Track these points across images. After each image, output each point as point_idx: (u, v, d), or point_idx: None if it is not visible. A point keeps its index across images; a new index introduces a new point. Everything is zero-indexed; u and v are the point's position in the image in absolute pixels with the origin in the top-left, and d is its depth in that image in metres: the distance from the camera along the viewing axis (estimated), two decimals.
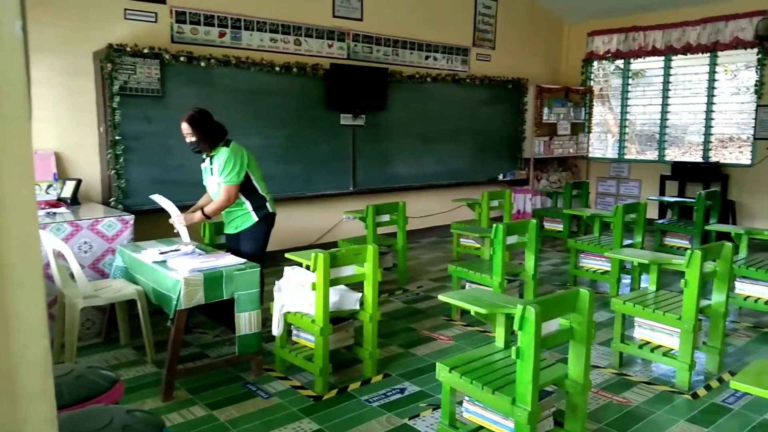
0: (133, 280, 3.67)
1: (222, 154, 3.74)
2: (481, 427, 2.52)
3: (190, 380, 3.31)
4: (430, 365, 3.55)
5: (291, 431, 2.80)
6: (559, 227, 6.99)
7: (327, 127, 6.43)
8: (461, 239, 6.13)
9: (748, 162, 7.61)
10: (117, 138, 4.95)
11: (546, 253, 6.72)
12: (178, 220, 3.78)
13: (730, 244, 3.45)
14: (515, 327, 2.23)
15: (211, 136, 3.76)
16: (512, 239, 4.19)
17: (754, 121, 7.47)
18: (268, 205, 3.94)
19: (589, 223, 6.26)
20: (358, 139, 6.71)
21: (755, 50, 7.38)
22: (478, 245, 5.70)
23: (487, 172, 8.09)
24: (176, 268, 3.18)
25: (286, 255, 3.79)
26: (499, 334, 2.76)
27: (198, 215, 3.81)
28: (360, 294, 3.40)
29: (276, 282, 3.48)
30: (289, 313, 3.37)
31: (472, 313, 2.70)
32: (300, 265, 3.59)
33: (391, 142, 7.05)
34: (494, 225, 4.02)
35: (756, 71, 7.42)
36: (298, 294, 3.33)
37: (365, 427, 2.85)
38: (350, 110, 6.54)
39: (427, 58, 7.35)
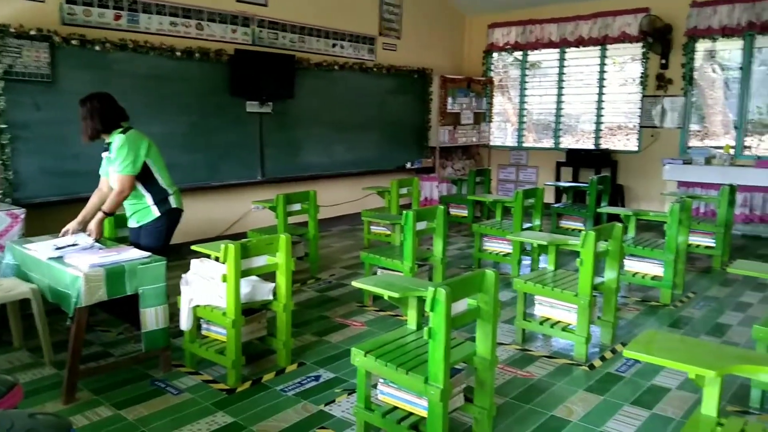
0: (26, 278, 3.43)
1: (116, 140, 3.50)
2: (396, 408, 2.58)
3: (94, 381, 3.15)
4: (344, 351, 3.59)
5: (204, 426, 2.75)
6: (464, 213, 7.23)
7: (232, 114, 6.27)
8: (372, 226, 6.20)
9: (635, 149, 8.21)
10: (2, 126, 4.59)
11: (452, 238, 6.94)
12: (86, 240, 3.48)
13: (620, 225, 3.72)
14: (427, 309, 2.31)
15: (102, 120, 3.51)
16: (421, 225, 4.30)
17: (639, 110, 8.06)
18: (171, 199, 3.69)
19: (492, 209, 6.53)
20: (265, 127, 6.60)
21: (640, 44, 7.94)
22: (389, 232, 5.80)
23: (395, 161, 8.21)
24: (75, 264, 3.01)
25: (193, 247, 3.69)
26: (412, 317, 2.83)
27: (99, 216, 3.53)
28: (273, 284, 3.37)
29: (183, 275, 3.38)
30: (198, 306, 3.28)
31: (385, 297, 2.76)
32: (208, 257, 3.51)
33: (300, 130, 6.99)
34: (404, 212, 4.11)
35: (641, 64, 7.99)
36: (208, 287, 3.25)
37: (281, 416, 2.85)
38: (256, 97, 6.42)
39: (334, 46, 7.33)
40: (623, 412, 2.92)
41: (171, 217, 3.71)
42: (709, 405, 2.06)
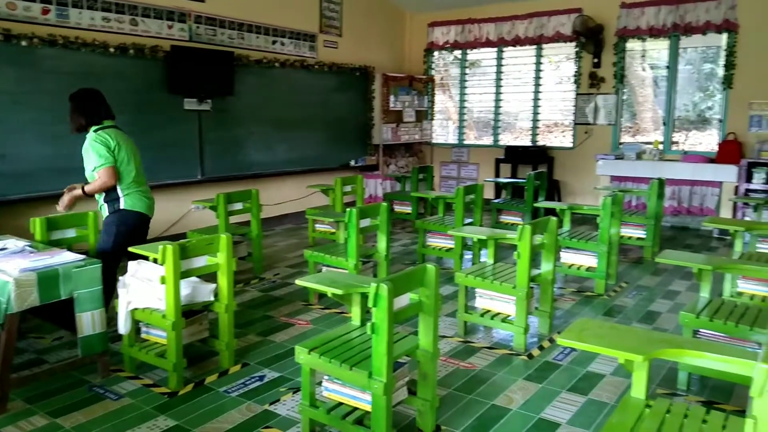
0: None
1: (87, 139, 3.70)
2: (341, 404, 2.60)
3: (27, 389, 3.03)
4: (288, 350, 3.58)
5: (146, 430, 2.69)
6: (408, 209, 7.30)
7: (170, 112, 6.13)
8: (316, 225, 6.17)
9: (570, 145, 8.50)
10: None
11: (397, 235, 7.00)
12: (15, 244, 3.38)
13: (555, 218, 3.86)
14: (370, 304, 2.34)
15: (83, 116, 3.71)
16: (365, 222, 4.33)
17: (574, 108, 8.35)
18: (124, 200, 3.77)
19: (435, 205, 6.63)
20: (204, 124, 6.48)
21: (574, 44, 8.21)
22: (333, 230, 5.79)
23: (339, 159, 8.21)
24: (4, 269, 2.88)
25: (130, 249, 3.59)
26: (356, 313, 2.86)
27: (77, 192, 3.75)
28: (214, 285, 3.33)
29: (120, 278, 3.29)
30: (136, 309, 3.21)
31: (329, 295, 2.77)
32: (146, 258, 3.42)
33: (241, 127, 6.90)
34: (348, 209, 4.12)
35: (575, 63, 8.27)
36: (146, 289, 3.18)
37: (225, 417, 2.82)
38: (195, 95, 6.29)
39: (274, 43, 7.26)
40: (560, 399, 3.04)
41: (121, 218, 3.78)
42: (638, 388, 2.17)
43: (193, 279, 3.35)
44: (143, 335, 3.34)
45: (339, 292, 2.69)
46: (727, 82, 7.25)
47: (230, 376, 3.27)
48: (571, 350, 3.61)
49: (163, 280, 3.01)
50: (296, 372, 3.24)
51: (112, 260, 3.71)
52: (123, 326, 3.22)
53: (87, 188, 3.73)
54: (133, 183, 3.81)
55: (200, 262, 3.23)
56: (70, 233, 3.86)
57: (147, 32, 5.93)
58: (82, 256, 3.12)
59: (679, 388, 3.16)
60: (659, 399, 2.19)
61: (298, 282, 2.88)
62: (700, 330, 3.14)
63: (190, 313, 3.27)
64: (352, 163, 8.34)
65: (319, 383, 2.71)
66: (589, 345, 2.08)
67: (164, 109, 6.06)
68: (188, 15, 6.31)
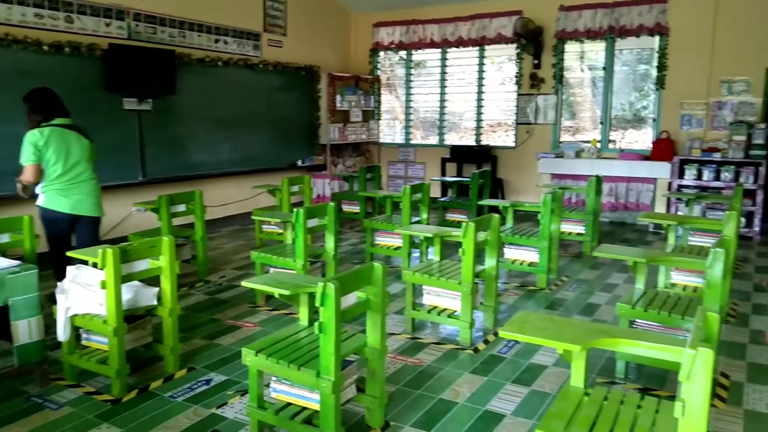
0: None
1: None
2: (289, 404, 2.60)
3: None
4: (236, 353, 3.54)
5: None
6: (356, 209, 7.33)
7: (109, 112, 5.95)
8: (263, 226, 6.12)
9: (513, 144, 8.70)
10: None
11: (345, 234, 7.02)
12: None
13: (497, 215, 3.96)
14: (317, 303, 2.34)
15: (37, 114, 3.87)
16: (313, 222, 4.33)
17: (516, 108, 8.55)
18: (42, 197, 3.93)
19: (382, 204, 6.67)
20: (145, 124, 6.32)
21: (515, 45, 8.41)
22: (281, 230, 5.76)
23: (286, 159, 8.15)
24: None
25: (69, 253, 3.48)
26: (303, 313, 2.86)
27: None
28: (157, 289, 3.26)
29: (58, 283, 3.18)
30: (76, 315, 3.11)
31: (277, 296, 2.76)
32: (85, 263, 3.32)
33: (183, 127, 6.76)
34: (295, 209, 4.11)
35: (516, 64, 8.47)
36: (86, 294, 3.09)
37: (171, 422, 2.77)
38: (134, 94, 6.13)
39: (217, 41, 7.15)
40: (505, 391, 3.12)
41: (41, 215, 3.97)
42: (577, 377, 2.26)
43: (135, 283, 3.27)
44: (84, 342, 3.24)
45: (286, 292, 2.69)
46: (660, 82, 7.59)
47: (176, 380, 3.22)
48: (515, 343, 3.71)
49: (103, 285, 2.93)
50: (243, 374, 3.22)
51: (53, 252, 4.01)
52: (62, 333, 3.12)
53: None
54: (55, 181, 3.91)
55: (142, 265, 3.16)
56: (4, 238, 3.73)
57: (83, 30, 5.74)
58: (17, 262, 3.01)
59: (617, 377, 3.30)
60: (597, 387, 2.28)
61: (244, 283, 2.86)
62: (636, 320, 3.29)
63: (133, 318, 3.19)
64: (300, 163, 8.30)
65: (267, 385, 2.70)
66: (530, 337, 2.15)
67: (103, 109, 5.88)
68: (127, 12, 6.14)
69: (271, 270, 4.40)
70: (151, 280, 3.26)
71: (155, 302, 3.24)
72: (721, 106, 7.27)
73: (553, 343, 2.11)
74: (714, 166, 7.01)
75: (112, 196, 6.04)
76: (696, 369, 1.65)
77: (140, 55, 6.09)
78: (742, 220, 6.63)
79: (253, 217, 5.70)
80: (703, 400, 1.65)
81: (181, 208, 5.04)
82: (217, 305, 4.48)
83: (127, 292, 3.15)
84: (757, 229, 6.84)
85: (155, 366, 3.37)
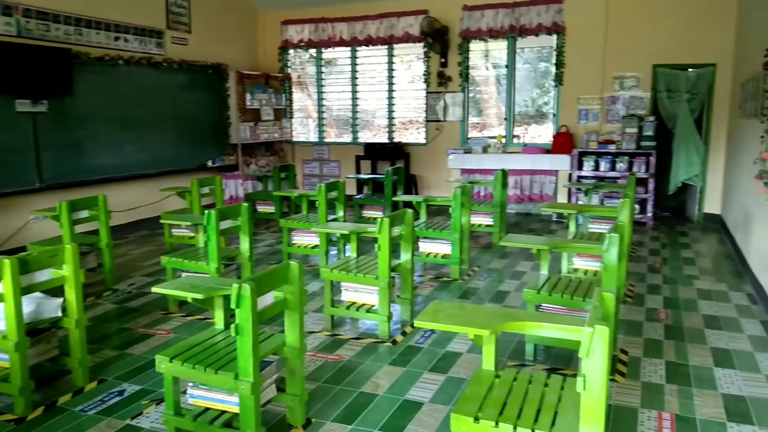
0: None
1: None
2: (208, 409, 2.57)
3: None
4: (149, 362, 3.43)
5: None
6: (271, 209, 7.25)
7: None
8: (173, 230, 5.94)
9: (424, 141, 8.90)
10: None
11: (261, 235, 6.93)
12: None
13: (411, 210, 4.06)
14: (232, 305, 2.33)
15: None
16: (226, 224, 4.25)
17: (425, 105, 8.75)
18: None
19: (298, 203, 6.63)
20: (41, 127, 5.96)
21: (422, 44, 8.60)
22: (192, 234, 5.61)
23: (195, 159, 7.93)
24: None
25: None
26: (219, 317, 2.82)
27: None
28: (61, 299, 3.11)
29: None
30: None
31: (190, 300, 2.71)
32: None
33: (84, 129, 6.43)
34: (206, 211, 4.02)
35: (424, 63, 8.67)
36: None
37: None
38: (27, 95, 5.77)
39: (117, 39, 6.84)
40: (423, 379, 3.22)
41: None
42: (488, 361, 2.38)
43: (37, 294, 3.10)
44: None
45: (199, 296, 2.65)
46: (558, 79, 8.01)
47: (86, 394, 3.08)
48: (432, 332, 3.83)
49: (1, 298, 2.76)
50: (158, 383, 3.13)
51: None
52: None
53: None
54: None
55: (44, 276, 3.00)
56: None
57: None
58: None
59: (527, 359, 3.48)
60: (507, 369, 2.41)
61: (155, 289, 2.79)
62: (542, 304, 3.48)
63: (36, 331, 3.03)
64: (210, 163, 8.10)
65: (184, 392, 2.65)
66: (443, 325, 2.25)
67: None
68: (15, 8, 5.76)
69: (184, 275, 4.29)
70: (55, 290, 3.10)
71: (60, 313, 3.10)
72: (615, 100, 7.77)
73: (464, 329, 2.21)
74: (610, 157, 7.50)
75: (6, 204, 5.68)
76: (594, 345, 1.78)
77: (32, 53, 5.73)
78: (636, 207, 7.15)
79: (161, 221, 5.51)
80: (602, 373, 1.79)
81: (84, 214, 4.80)
82: (128, 314, 4.32)
83: (29, 304, 2.98)
84: (650, 215, 7.38)
85: (63, 380, 3.21)
